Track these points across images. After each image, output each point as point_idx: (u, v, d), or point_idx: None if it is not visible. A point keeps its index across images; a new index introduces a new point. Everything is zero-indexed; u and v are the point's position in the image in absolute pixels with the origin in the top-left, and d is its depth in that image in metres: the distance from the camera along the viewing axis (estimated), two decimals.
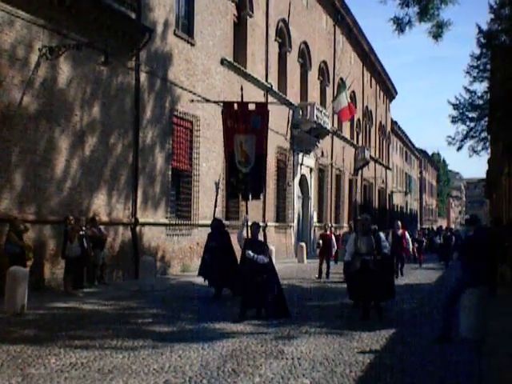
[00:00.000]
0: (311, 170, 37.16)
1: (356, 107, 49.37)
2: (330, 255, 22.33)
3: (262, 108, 14.83)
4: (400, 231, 22.80)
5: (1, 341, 9.58)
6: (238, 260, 14.87)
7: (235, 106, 14.47)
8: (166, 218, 20.91)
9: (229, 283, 15.51)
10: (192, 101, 21.87)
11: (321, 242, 22.40)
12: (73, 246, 15.31)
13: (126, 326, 11.36)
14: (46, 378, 7.51)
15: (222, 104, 24.28)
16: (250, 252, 12.55)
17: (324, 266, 21.99)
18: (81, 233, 15.54)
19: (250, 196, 14.30)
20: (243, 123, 13.82)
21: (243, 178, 13.91)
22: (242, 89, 15.07)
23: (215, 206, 18.11)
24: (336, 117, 40.18)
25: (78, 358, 8.63)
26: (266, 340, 10.31)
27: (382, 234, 13.57)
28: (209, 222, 23.21)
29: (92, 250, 16.71)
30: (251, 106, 14.52)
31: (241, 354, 9.08)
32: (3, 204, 14.58)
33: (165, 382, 7.46)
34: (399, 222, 23.59)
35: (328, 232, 23.06)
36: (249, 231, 13.42)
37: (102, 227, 17.48)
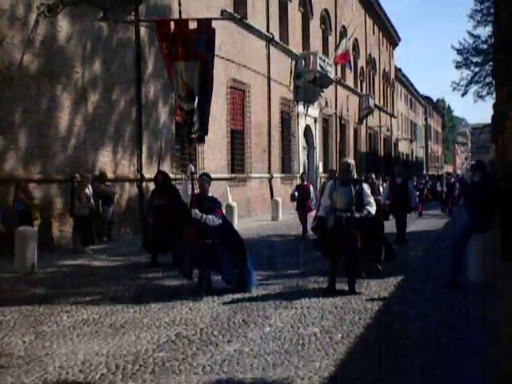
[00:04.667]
0: (315, 120, 36.98)
1: (359, 55, 49.02)
2: (307, 209, 19.27)
3: (206, 25, 11.61)
4: (400, 179, 17.81)
5: (13, 300, 9.70)
6: None
7: (172, 24, 11.44)
8: (172, 173, 20.87)
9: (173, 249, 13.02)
10: None
11: (296, 193, 19.52)
12: (81, 205, 15.34)
13: (136, 281, 11.46)
14: (59, 334, 7.61)
15: (220, 53, 24.17)
16: (196, 211, 9.97)
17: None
18: (87, 191, 15.52)
19: (196, 140, 11.48)
20: (183, 46, 10.86)
21: (186, 118, 11.02)
22: (180, 3, 11.89)
23: (159, 156, 15.93)
24: (340, 66, 39.85)
25: (90, 314, 8.73)
26: (275, 290, 10.40)
27: (366, 186, 10.50)
28: (214, 175, 23.29)
29: (101, 206, 16.84)
30: (192, 25, 11.57)
31: (250, 306, 9.17)
32: (8, 164, 14.59)
33: (176, 335, 7.55)
34: (399, 167, 19.54)
35: (305, 182, 20.24)
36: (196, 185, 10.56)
37: (109, 183, 17.53)
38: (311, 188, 19.81)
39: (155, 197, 13.61)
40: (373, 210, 10.21)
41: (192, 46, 10.78)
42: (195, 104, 10.63)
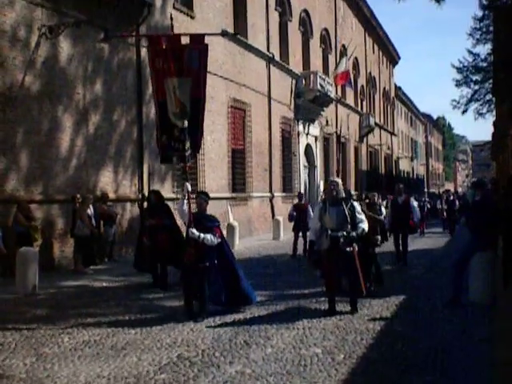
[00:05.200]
0: (316, 138, 37.05)
1: (359, 74, 49.21)
2: (306, 229, 17.77)
3: (199, 41, 11.25)
4: (402, 198, 17.00)
5: (14, 321, 9.69)
6: None
7: (163, 40, 11.06)
8: (173, 192, 20.91)
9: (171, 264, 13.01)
10: None
11: (294, 213, 19.44)
12: (83, 225, 15.36)
13: (138, 302, 11.44)
14: (60, 356, 7.59)
15: (221, 73, 24.31)
16: (193, 230, 9.70)
17: (301, 241, 18.85)
18: (88, 211, 15.56)
19: (190, 157, 10.88)
20: (175, 62, 10.42)
21: (179, 135, 10.52)
22: (171, 18, 11.43)
23: (149, 175, 16.00)
24: (339, 84, 39.97)
25: (91, 335, 8.71)
26: (277, 310, 10.38)
27: (356, 204, 10.45)
28: (215, 194, 23.32)
29: (102, 227, 16.86)
30: (185, 40, 11.35)
31: (252, 326, 9.14)
32: (10, 185, 14.61)
33: (178, 356, 7.53)
34: (401, 185, 17.97)
35: (303, 202, 20.30)
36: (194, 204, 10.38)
37: (110, 204, 17.57)
38: (309, 207, 19.56)
39: (148, 216, 13.43)
40: (366, 226, 10.13)
41: (184, 62, 10.48)
42: (187, 121, 10.34)
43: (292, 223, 19.80)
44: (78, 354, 7.72)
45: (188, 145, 10.43)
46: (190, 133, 10.47)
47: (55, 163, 15.96)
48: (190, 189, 10.23)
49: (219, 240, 9.99)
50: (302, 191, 32.05)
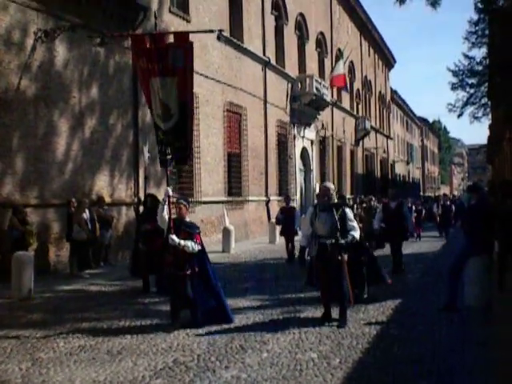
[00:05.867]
0: (312, 142, 37.07)
1: (355, 77, 49.28)
2: (293, 233, 18.49)
3: (183, 39, 10.81)
4: (395, 203, 16.19)
5: (9, 326, 9.67)
6: None
7: (147, 39, 10.61)
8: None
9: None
10: None
11: (281, 217, 19.16)
12: (80, 229, 15.34)
13: (133, 307, 11.42)
14: (56, 361, 7.57)
15: (217, 76, 24.33)
16: (173, 237, 9.37)
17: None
18: (84, 215, 15.55)
19: (173, 162, 10.45)
20: (159, 61, 10.00)
21: (163, 138, 10.22)
22: (155, 16, 11.23)
23: (145, 178, 15.90)
24: (335, 88, 40.01)
25: (87, 340, 8.69)
26: (273, 315, 10.37)
27: (348, 211, 9.88)
28: (211, 198, 23.32)
29: (98, 230, 16.83)
30: (168, 38, 11.03)
31: (248, 331, 9.13)
32: (5, 189, 14.59)
33: (173, 361, 7.52)
34: (393, 190, 17.60)
35: (291, 205, 20.07)
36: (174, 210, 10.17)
37: (106, 207, 17.56)
38: (297, 211, 19.37)
39: (144, 221, 13.09)
40: (357, 234, 9.68)
41: (168, 61, 10.09)
42: (172, 123, 9.99)
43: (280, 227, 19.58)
44: (73, 358, 7.71)
45: (172, 148, 10.02)
46: (178, 137, 10.11)
47: (51, 167, 15.95)
48: (171, 193, 9.94)
49: (199, 247, 9.62)
50: (296, 195, 32.15)
